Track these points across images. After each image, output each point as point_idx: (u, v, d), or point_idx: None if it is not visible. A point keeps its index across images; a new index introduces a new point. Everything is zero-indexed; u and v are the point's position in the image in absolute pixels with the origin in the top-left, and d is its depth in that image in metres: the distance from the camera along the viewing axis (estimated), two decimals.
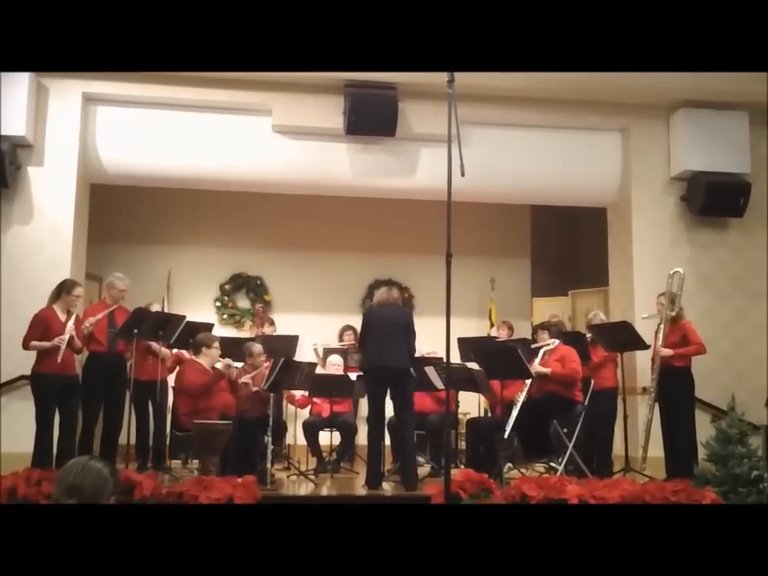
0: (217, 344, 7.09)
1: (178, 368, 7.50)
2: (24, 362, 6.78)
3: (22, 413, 6.79)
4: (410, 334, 6.54)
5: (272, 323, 9.38)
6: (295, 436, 8.42)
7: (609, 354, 7.49)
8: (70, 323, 6.49)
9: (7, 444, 6.59)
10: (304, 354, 8.64)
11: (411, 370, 6.54)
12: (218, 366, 7.03)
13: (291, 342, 8.28)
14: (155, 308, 7.70)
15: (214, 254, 10.37)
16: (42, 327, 6.43)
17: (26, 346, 6.46)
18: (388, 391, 6.56)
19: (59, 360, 6.34)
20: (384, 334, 6.49)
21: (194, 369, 6.91)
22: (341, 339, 9.57)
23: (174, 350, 7.81)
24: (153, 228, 10.24)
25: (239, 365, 7.39)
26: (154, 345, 7.19)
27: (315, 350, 9.25)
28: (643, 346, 7.20)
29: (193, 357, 7.13)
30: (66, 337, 6.41)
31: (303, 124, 8.21)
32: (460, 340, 7.84)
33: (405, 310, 6.66)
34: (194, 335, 7.25)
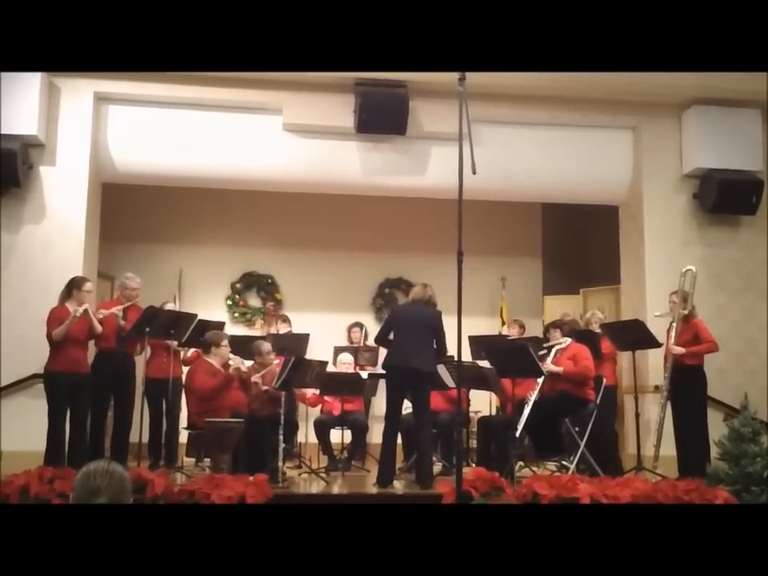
0: (226, 341, 7.09)
1: (188, 368, 7.49)
2: (36, 361, 6.83)
3: (33, 411, 6.83)
4: (439, 335, 6.49)
5: (285, 320, 9.39)
6: (306, 434, 8.43)
7: (608, 352, 7.53)
8: (85, 305, 6.54)
9: (19, 442, 6.62)
10: (315, 352, 8.64)
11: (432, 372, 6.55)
12: (230, 363, 7.03)
13: (302, 340, 8.29)
14: (169, 307, 7.73)
15: (225, 252, 10.39)
16: (59, 322, 6.45)
17: (51, 338, 6.47)
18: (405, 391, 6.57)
19: (77, 316, 6.40)
20: (408, 333, 6.48)
21: (205, 370, 6.90)
22: (349, 336, 9.57)
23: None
24: (164, 227, 10.27)
25: (250, 363, 7.40)
26: (168, 343, 7.21)
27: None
28: (655, 344, 7.19)
29: (204, 357, 7.13)
30: (82, 308, 6.46)
31: (314, 123, 8.21)
32: (471, 338, 7.84)
33: (432, 310, 6.60)
34: (205, 334, 7.26)
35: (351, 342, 9.50)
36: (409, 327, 6.52)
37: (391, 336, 6.66)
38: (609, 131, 8.73)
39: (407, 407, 6.77)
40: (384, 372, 6.73)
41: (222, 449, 6.30)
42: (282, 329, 9.17)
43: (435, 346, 6.52)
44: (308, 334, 8.37)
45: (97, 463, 2.56)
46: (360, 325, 9.70)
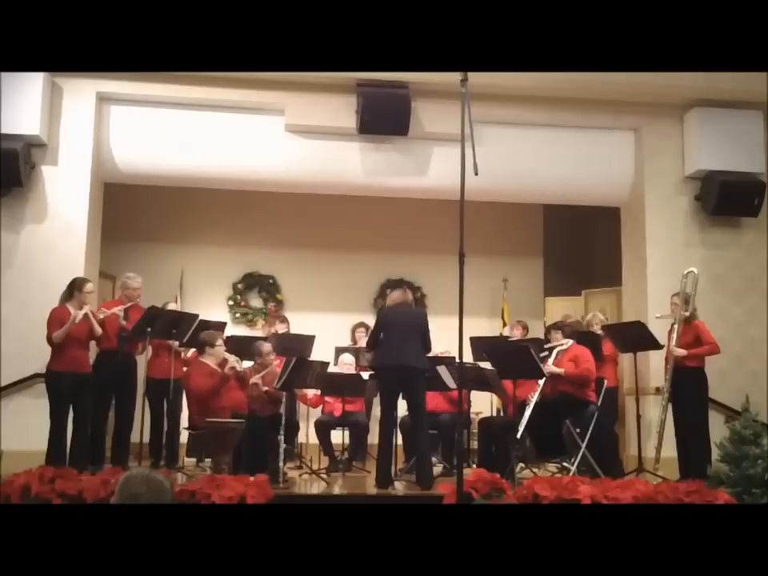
0: (220, 341, 7.07)
1: (185, 369, 7.48)
2: (38, 361, 6.83)
3: (35, 411, 6.84)
4: (424, 333, 6.56)
5: (283, 320, 9.38)
6: (307, 435, 8.42)
7: (609, 353, 7.54)
8: (86, 308, 6.54)
9: (20, 442, 6.60)
10: (316, 352, 8.62)
11: (424, 368, 6.57)
12: (227, 359, 7.02)
13: (307, 341, 8.24)
14: (171, 307, 7.73)
15: (227, 252, 10.39)
16: (59, 324, 6.46)
17: (50, 340, 6.47)
18: (400, 390, 6.58)
19: (77, 321, 6.41)
20: (399, 333, 6.51)
21: (201, 371, 6.88)
22: (353, 336, 9.55)
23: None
24: (166, 227, 10.27)
25: (250, 363, 7.39)
26: (170, 343, 7.21)
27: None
28: (657, 345, 7.18)
29: (199, 358, 7.12)
30: (82, 312, 6.47)
31: (316, 123, 8.22)
32: (472, 339, 7.84)
33: (419, 310, 6.70)
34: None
35: (355, 343, 9.47)
36: (397, 327, 6.56)
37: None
38: (610, 132, 8.73)
39: (406, 408, 6.78)
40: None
41: (223, 449, 6.31)
42: (280, 329, 9.15)
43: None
44: (313, 336, 8.34)
45: (138, 470, 2.66)
46: (365, 325, 9.66)
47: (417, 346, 6.51)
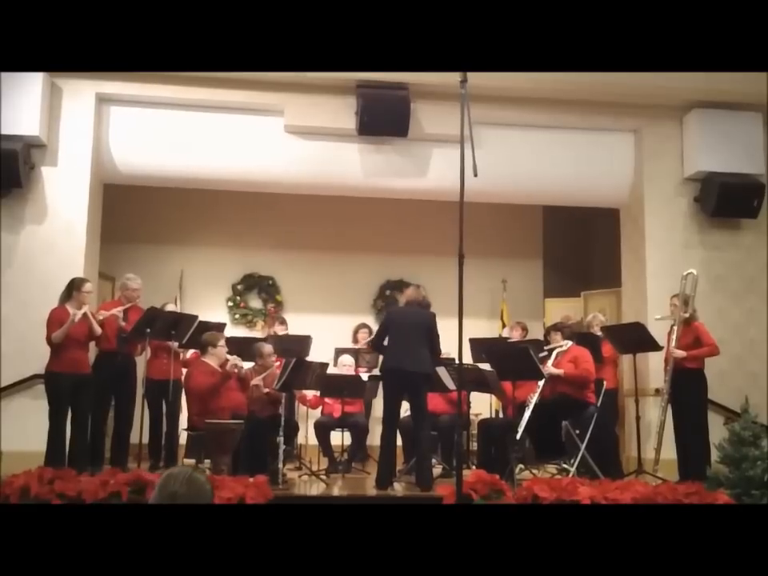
0: (222, 342, 7.07)
1: (186, 369, 7.47)
2: (37, 361, 6.83)
3: (34, 412, 6.83)
4: (433, 337, 6.53)
5: (282, 322, 9.38)
6: (307, 436, 8.42)
7: (609, 355, 7.54)
8: (85, 308, 6.54)
9: (19, 443, 6.61)
10: (315, 354, 8.62)
11: (429, 373, 6.57)
12: (228, 359, 7.02)
13: (304, 342, 8.25)
14: (170, 308, 7.73)
15: (226, 254, 10.39)
16: (58, 324, 6.46)
17: (50, 341, 6.47)
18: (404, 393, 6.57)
19: (76, 320, 6.41)
20: (405, 336, 6.49)
21: (202, 370, 6.89)
22: (355, 337, 9.54)
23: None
24: (165, 228, 10.27)
25: (249, 364, 7.39)
26: (169, 344, 7.21)
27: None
28: (656, 347, 7.18)
29: (201, 358, 7.12)
30: (81, 312, 6.47)
31: (315, 124, 8.22)
32: (472, 341, 7.84)
33: (428, 312, 6.64)
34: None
35: (356, 344, 9.47)
36: (404, 330, 6.53)
37: (386, 340, 6.67)
38: (610, 134, 8.73)
39: (406, 410, 6.77)
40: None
41: (222, 450, 6.30)
42: (279, 330, 9.15)
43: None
44: (310, 336, 8.35)
45: (180, 468, 2.62)
46: (367, 326, 9.65)
47: (422, 350, 6.47)
